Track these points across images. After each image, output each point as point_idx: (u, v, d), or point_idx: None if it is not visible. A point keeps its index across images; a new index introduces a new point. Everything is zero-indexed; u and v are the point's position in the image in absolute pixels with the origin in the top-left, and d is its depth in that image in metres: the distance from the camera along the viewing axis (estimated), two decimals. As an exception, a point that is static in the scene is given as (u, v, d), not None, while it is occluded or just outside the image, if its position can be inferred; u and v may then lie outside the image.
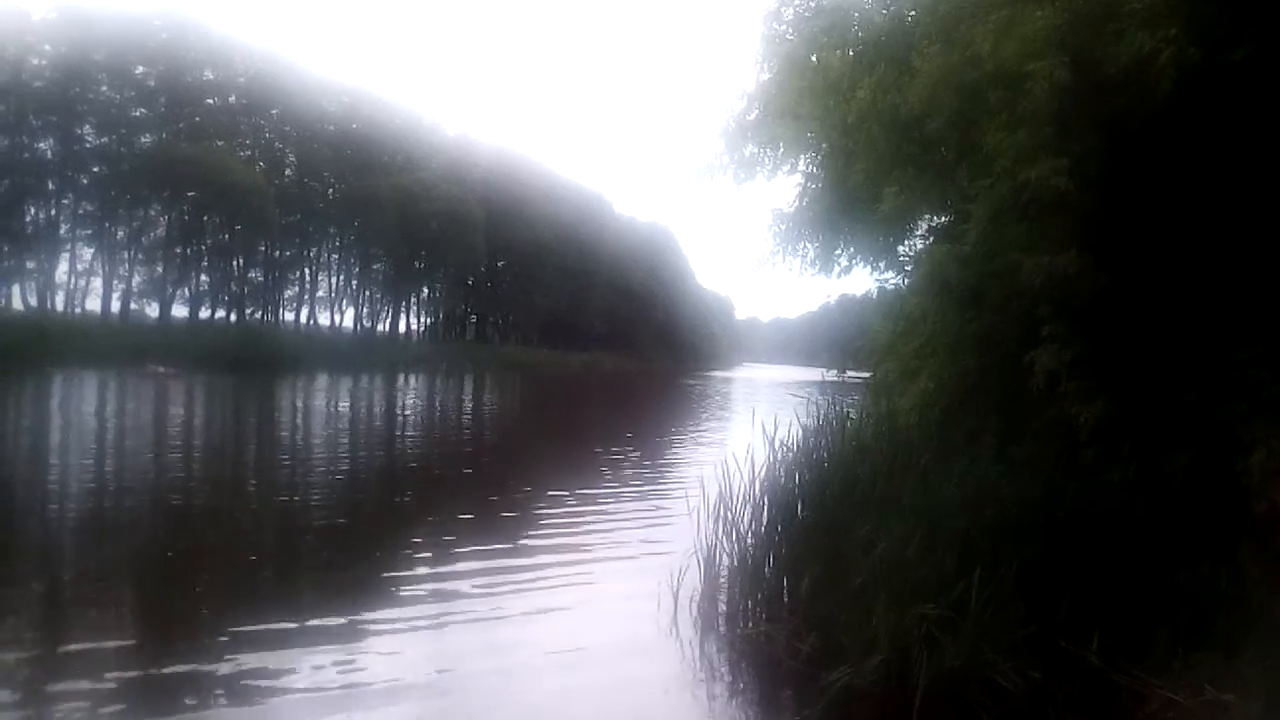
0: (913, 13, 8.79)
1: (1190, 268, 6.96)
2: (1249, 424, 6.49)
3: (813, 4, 10.67)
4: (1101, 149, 6.92)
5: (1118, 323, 7.14)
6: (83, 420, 23.57)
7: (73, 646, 7.30)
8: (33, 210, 59.70)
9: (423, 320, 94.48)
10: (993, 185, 7.22)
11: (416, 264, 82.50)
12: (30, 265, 59.17)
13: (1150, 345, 7.08)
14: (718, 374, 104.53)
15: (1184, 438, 6.95)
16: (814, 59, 9.73)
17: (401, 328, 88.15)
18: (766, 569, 8.56)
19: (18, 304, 57.95)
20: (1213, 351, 6.88)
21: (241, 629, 7.76)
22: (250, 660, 7.11)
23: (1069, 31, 6.89)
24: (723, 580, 8.77)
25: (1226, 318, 6.85)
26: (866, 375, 12.58)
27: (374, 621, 8.21)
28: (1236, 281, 6.82)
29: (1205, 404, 6.85)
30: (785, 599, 8.22)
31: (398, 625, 8.23)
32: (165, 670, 6.89)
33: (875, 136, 8.48)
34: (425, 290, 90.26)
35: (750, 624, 8.15)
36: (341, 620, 8.19)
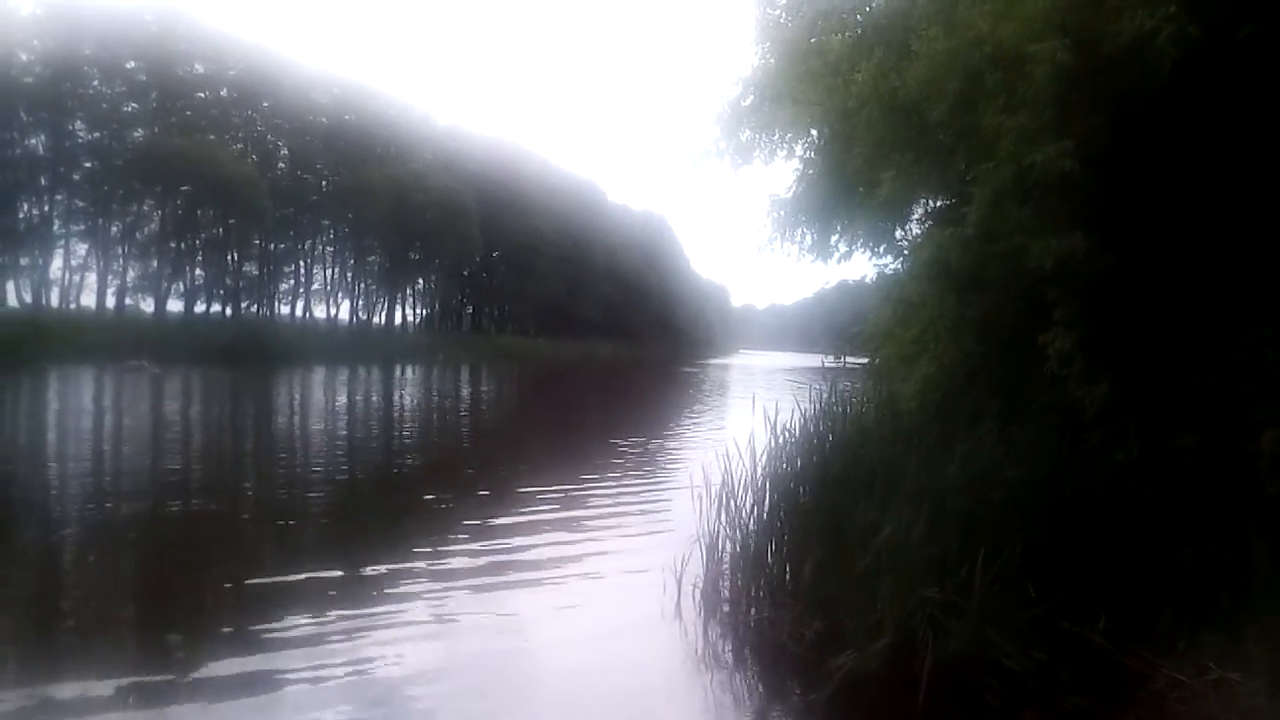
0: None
1: (1195, 248, 6.95)
2: (1258, 405, 6.49)
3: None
4: (1104, 129, 6.90)
5: (1122, 304, 7.13)
6: (39, 418, 23.50)
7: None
8: (25, 206, 59.37)
9: (419, 311, 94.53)
10: (995, 168, 7.19)
11: (411, 255, 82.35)
12: (24, 262, 58.93)
13: (1155, 326, 7.07)
14: (715, 361, 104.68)
15: (1189, 419, 6.94)
16: (812, 42, 9.67)
17: (397, 319, 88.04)
18: (769, 554, 8.55)
19: (12, 300, 57.76)
20: (1219, 332, 6.87)
21: (256, 627, 7.74)
22: (267, 659, 7.10)
23: (1069, 12, 6.86)
24: (725, 566, 8.76)
25: (1233, 298, 6.84)
26: (865, 361, 12.57)
27: (375, 615, 8.18)
28: (1243, 262, 6.81)
29: (1212, 385, 6.85)
30: (788, 584, 8.21)
31: (400, 610, 8.26)
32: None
33: (874, 120, 8.43)
34: (420, 281, 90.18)
35: (754, 609, 8.15)
36: (346, 613, 8.17)
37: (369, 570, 9.60)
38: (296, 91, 69.87)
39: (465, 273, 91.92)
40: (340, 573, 9.50)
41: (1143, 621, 6.57)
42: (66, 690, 6.30)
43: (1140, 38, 6.38)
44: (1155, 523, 6.99)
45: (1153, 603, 6.61)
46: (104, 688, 6.37)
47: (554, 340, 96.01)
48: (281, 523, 12.12)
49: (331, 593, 8.85)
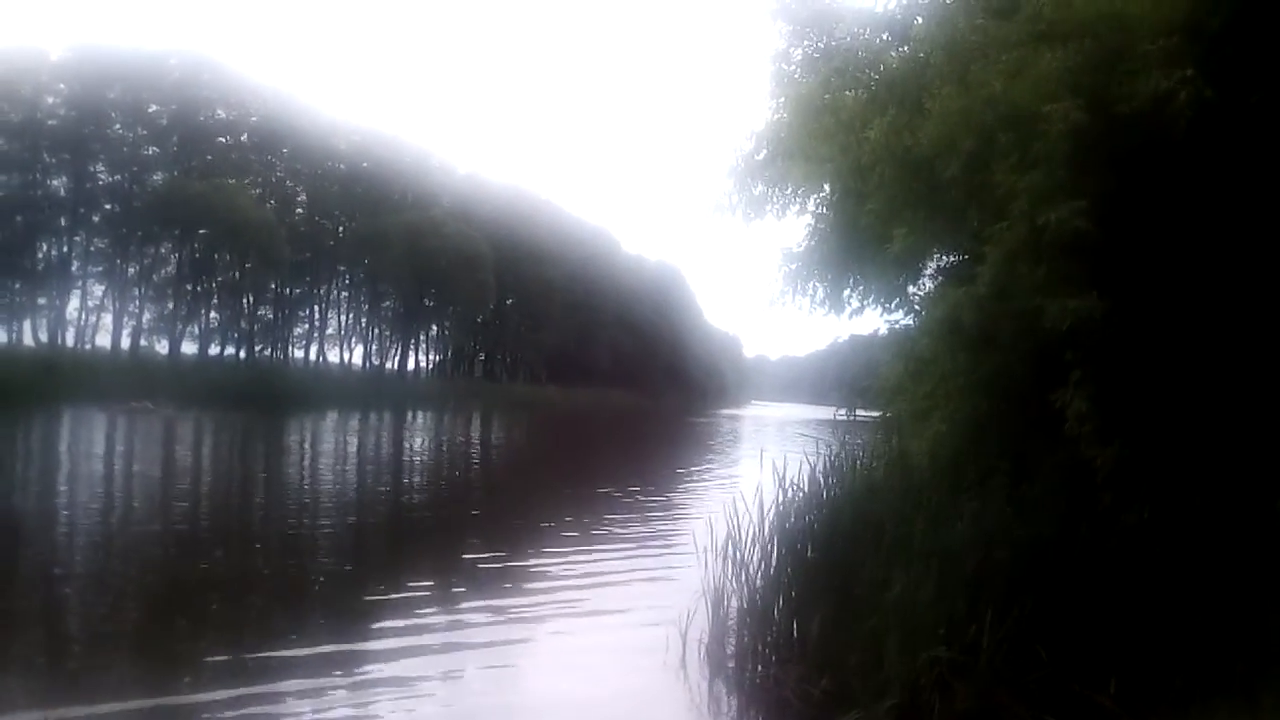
0: (924, 53, 8.78)
1: (1211, 307, 6.93)
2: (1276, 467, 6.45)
3: (822, 45, 10.74)
4: (1118, 189, 6.91)
5: (1136, 365, 7.09)
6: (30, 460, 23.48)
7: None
8: (44, 247, 60.09)
9: (431, 358, 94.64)
10: (1008, 227, 7.20)
11: (426, 301, 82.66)
12: (41, 301, 59.45)
13: (1170, 387, 7.03)
14: (726, 412, 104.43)
15: (1203, 481, 6.88)
16: (826, 99, 9.73)
17: (410, 365, 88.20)
18: (776, 610, 8.48)
19: (29, 340, 58.13)
20: (1235, 394, 6.83)
21: (251, 655, 7.72)
22: (270, 688, 7.12)
23: (1082, 73, 6.90)
24: (731, 622, 8.67)
25: (1250, 359, 6.80)
26: (876, 415, 12.53)
27: (386, 653, 8.15)
28: (1259, 322, 6.78)
29: (1228, 447, 6.80)
30: (795, 641, 8.13)
31: (399, 663, 8.18)
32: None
33: (888, 177, 8.47)
34: (434, 328, 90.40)
35: (759, 666, 8.08)
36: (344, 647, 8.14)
37: (370, 630, 9.44)
38: (316, 138, 70.52)
39: (479, 319, 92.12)
40: (341, 626, 9.52)
41: (1154, 686, 6.46)
42: None
43: (1157, 99, 6.41)
44: (1167, 586, 6.90)
45: (1165, 667, 6.50)
46: None
47: (565, 388, 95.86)
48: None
49: (339, 638, 8.87)
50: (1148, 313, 6.99)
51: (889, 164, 8.41)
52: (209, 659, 7.95)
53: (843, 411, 13.05)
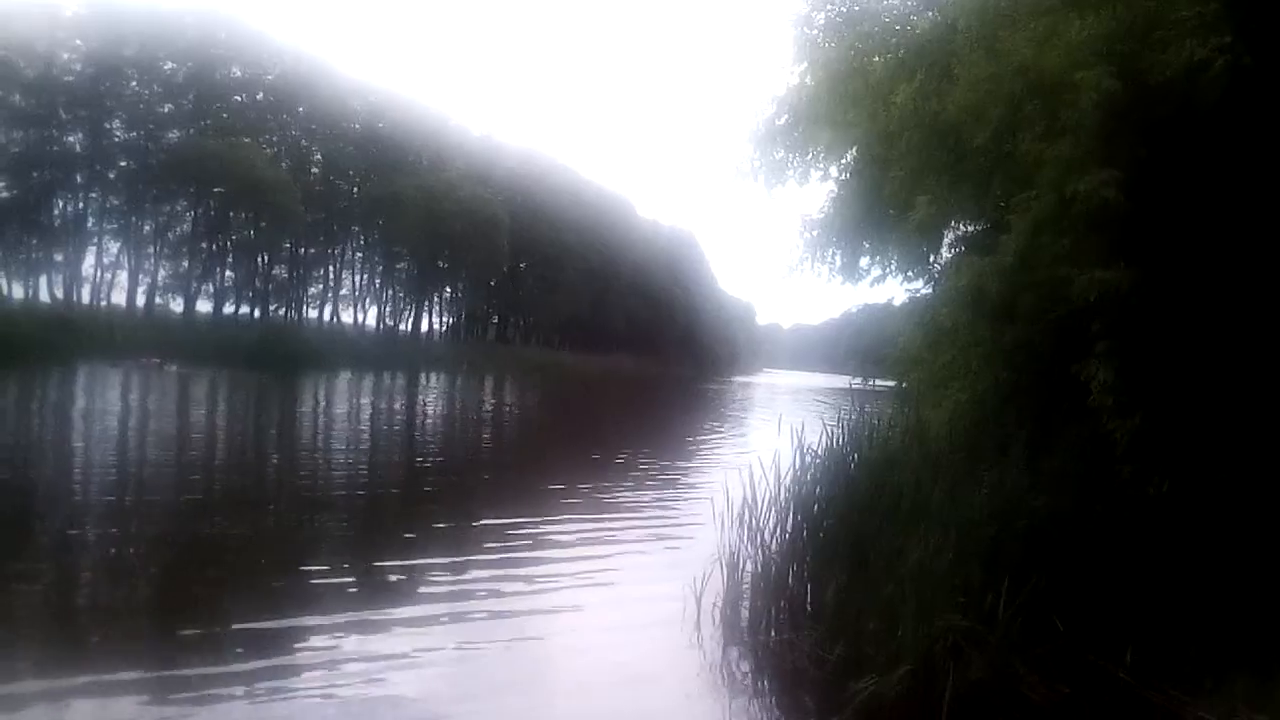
0: (953, 19, 8.66)
1: (1239, 280, 6.86)
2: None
3: (845, 9, 10.61)
4: (1148, 159, 6.83)
5: (1160, 336, 7.04)
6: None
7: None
8: (61, 203, 60.21)
9: (445, 320, 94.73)
10: (1036, 197, 7.13)
11: (440, 263, 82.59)
12: (58, 258, 59.64)
13: (1194, 360, 6.98)
14: (739, 379, 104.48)
15: (1226, 453, 6.85)
16: (853, 63, 9.64)
17: (424, 327, 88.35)
18: (790, 577, 8.50)
19: (44, 296, 58.35)
20: (1261, 367, 6.78)
21: (264, 624, 7.75)
22: (291, 649, 7.18)
23: (1113, 40, 6.80)
24: (746, 587, 8.70)
25: (1276, 331, 6.75)
26: (891, 384, 12.49)
27: (396, 617, 8.23)
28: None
29: (1251, 420, 6.76)
30: (809, 607, 8.16)
31: (425, 629, 8.19)
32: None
33: (913, 144, 8.39)
34: (448, 290, 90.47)
35: (774, 632, 8.09)
36: (354, 617, 8.19)
37: (381, 598, 9.24)
38: (332, 98, 70.37)
39: (492, 283, 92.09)
40: (352, 575, 9.64)
41: (1170, 658, 6.47)
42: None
43: (1191, 67, 6.32)
44: (1184, 558, 6.90)
45: (1181, 639, 6.51)
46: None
47: (578, 353, 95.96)
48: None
49: (352, 591, 8.99)
50: (1176, 284, 6.92)
51: (915, 130, 8.33)
52: (194, 631, 7.91)
53: (858, 380, 13.04)
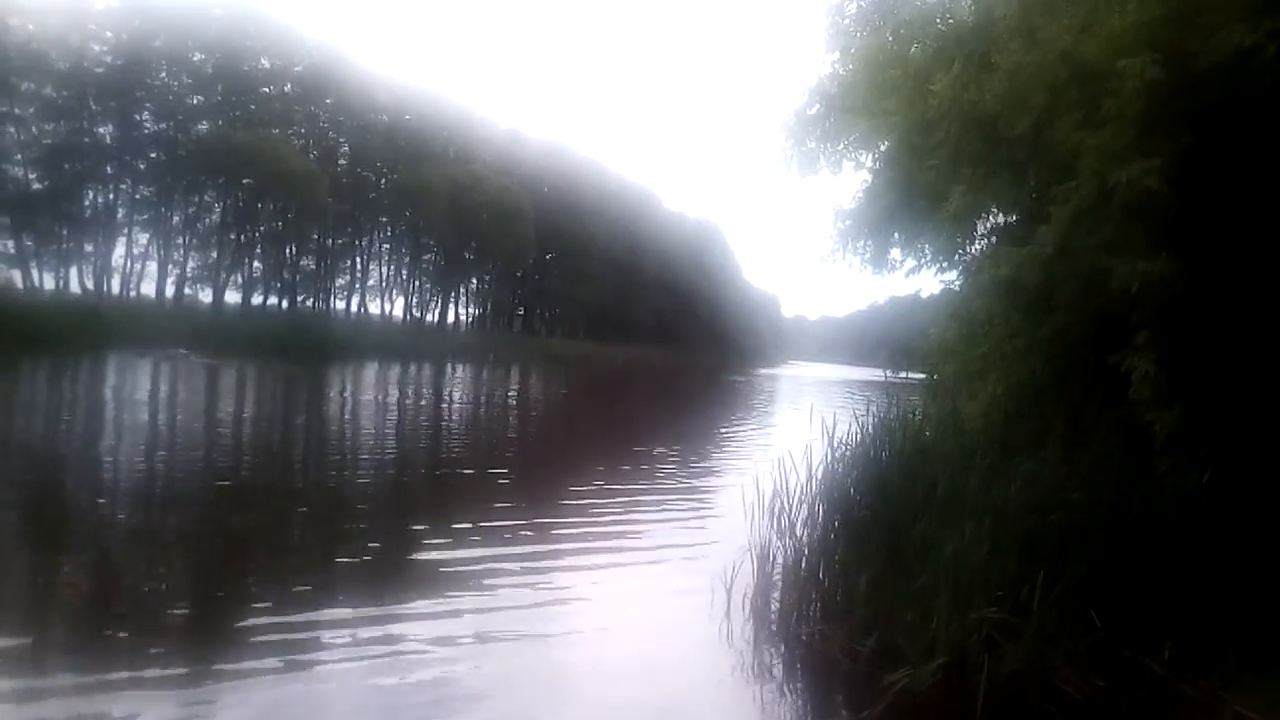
0: (993, 6, 8.58)
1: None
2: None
3: (879, -1, 10.56)
4: (1193, 148, 6.75)
5: (1201, 328, 6.97)
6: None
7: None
8: (91, 194, 60.56)
9: (471, 311, 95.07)
10: (1076, 186, 7.05)
11: (466, 255, 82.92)
12: (88, 249, 60.09)
13: (1235, 351, 6.90)
14: (764, 371, 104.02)
15: (1267, 446, 6.77)
16: (892, 51, 9.58)
17: (450, 318, 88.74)
18: (822, 568, 8.46)
19: (75, 287, 58.86)
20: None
21: (285, 619, 7.81)
22: (308, 630, 7.20)
23: (1157, 27, 6.71)
24: (777, 578, 8.67)
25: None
26: (921, 377, 12.43)
27: (416, 610, 8.23)
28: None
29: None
30: (841, 599, 8.11)
31: (450, 618, 8.19)
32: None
33: (952, 133, 8.31)
34: (474, 281, 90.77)
35: (806, 623, 8.06)
36: (376, 610, 8.19)
37: (407, 587, 9.23)
38: (359, 90, 70.55)
39: (518, 274, 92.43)
40: (382, 560, 9.71)
41: (1208, 653, 6.41)
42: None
43: (1241, 53, 6.23)
44: (1224, 552, 6.83)
45: (1219, 634, 6.45)
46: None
47: (603, 344, 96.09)
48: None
49: (382, 581, 8.99)
50: (1219, 275, 6.85)
51: (954, 119, 8.25)
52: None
53: (888, 372, 12.98)
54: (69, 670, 6.43)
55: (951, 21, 9.62)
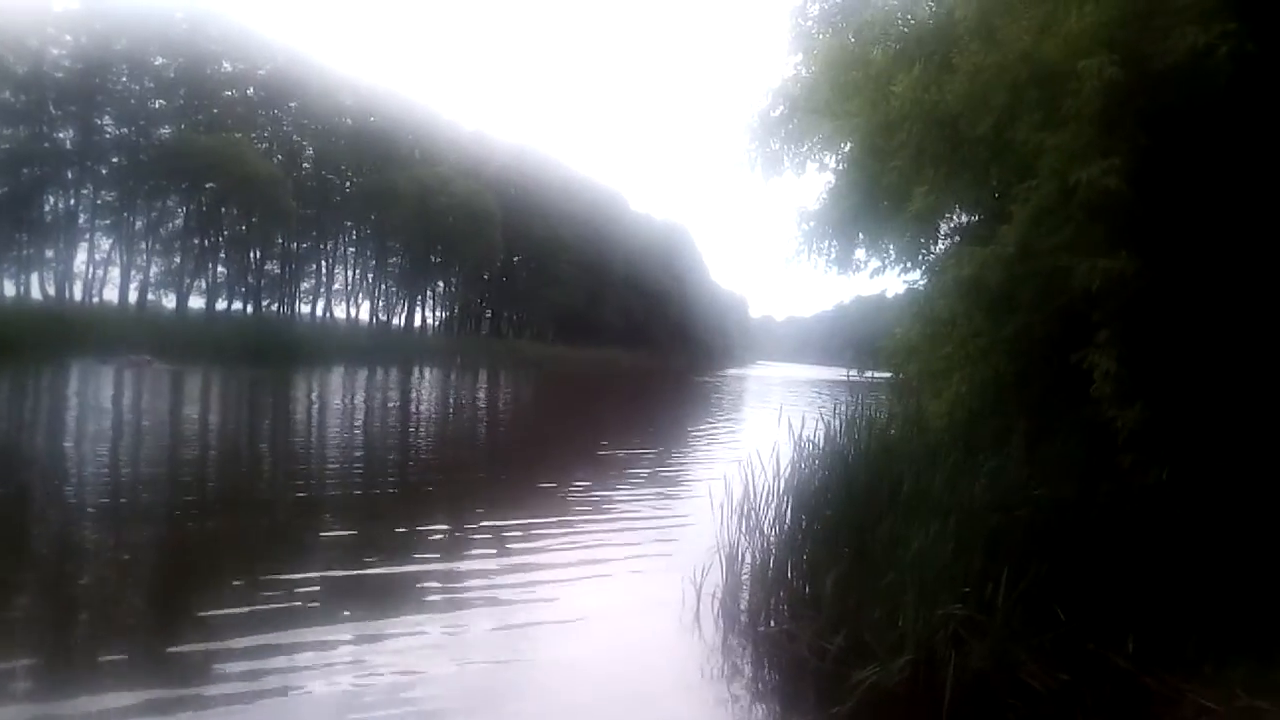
0: (951, 8, 8.66)
1: (1241, 268, 6.87)
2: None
3: (839, 0, 10.62)
4: (1151, 147, 6.83)
5: (1161, 325, 7.06)
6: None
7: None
8: (52, 200, 60.11)
9: (438, 314, 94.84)
10: (1037, 186, 7.12)
11: (433, 258, 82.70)
12: (49, 254, 59.53)
13: (1196, 348, 7.00)
14: (733, 372, 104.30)
15: (1226, 441, 6.88)
16: (854, 53, 9.63)
17: (417, 321, 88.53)
18: (790, 567, 8.51)
19: (36, 293, 58.18)
20: (1266, 355, 6.80)
21: (258, 640, 7.73)
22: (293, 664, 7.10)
23: (1115, 27, 6.79)
24: (745, 577, 8.71)
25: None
26: (886, 376, 12.49)
27: (387, 621, 8.07)
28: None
29: (1255, 409, 6.79)
30: (809, 597, 8.16)
31: (410, 614, 8.21)
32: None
33: (914, 134, 8.37)
34: (441, 284, 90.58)
35: (774, 622, 8.10)
36: (341, 624, 7.97)
37: (378, 571, 9.45)
38: (323, 93, 70.33)
39: (485, 276, 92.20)
40: (350, 571, 9.54)
41: (1170, 645, 6.50)
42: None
43: (1195, 54, 6.33)
44: (1185, 546, 6.93)
45: (1180, 627, 6.54)
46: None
47: (572, 346, 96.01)
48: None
49: (354, 585, 8.91)
50: (1178, 273, 6.94)
51: (916, 121, 8.31)
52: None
53: (853, 372, 13.04)
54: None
55: (912, 23, 9.71)
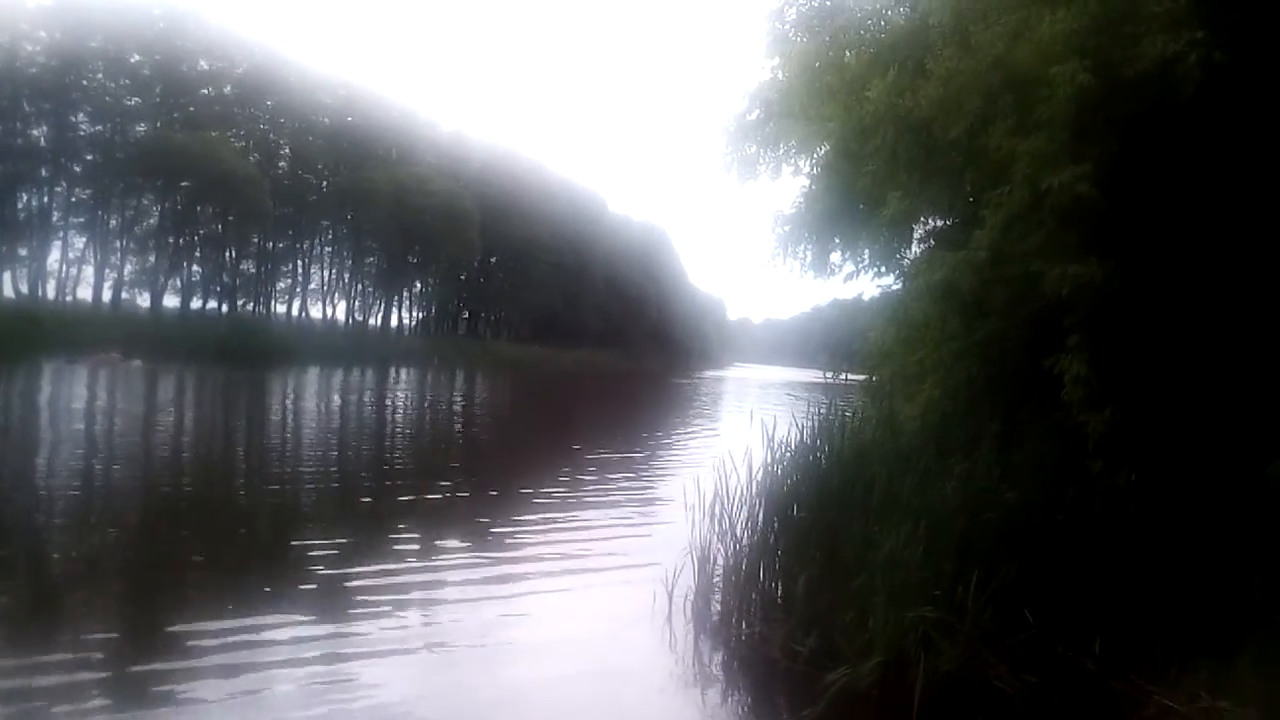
0: (926, 14, 8.71)
1: (1211, 273, 6.95)
2: (1268, 433, 6.52)
3: (817, 3, 10.64)
4: (1122, 153, 6.90)
5: (1131, 330, 7.13)
6: None
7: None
8: (25, 197, 59.46)
9: (415, 315, 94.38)
10: (1009, 192, 7.17)
11: (410, 258, 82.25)
12: (22, 252, 58.92)
13: (1164, 353, 7.07)
14: (710, 374, 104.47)
15: (1194, 445, 6.95)
16: (829, 57, 9.67)
17: (394, 322, 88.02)
18: (762, 569, 8.53)
19: (9, 291, 57.59)
20: (1234, 360, 6.87)
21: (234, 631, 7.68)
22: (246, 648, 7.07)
23: (1087, 35, 6.84)
24: (717, 579, 8.74)
25: (1248, 325, 6.84)
26: (861, 378, 12.53)
27: (359, 633, 7.98)
28: (1259, 287, 6.80)
29: (1223, 412, 6.86)
30: (781, 599, 8.21)
31: (393, 626, 8.14)
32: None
33: (888, 139, 8.40)
34: (418, 285, 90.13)
35: (746, 624, 8.13)
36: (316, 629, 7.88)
37: (346, 590, 9.13)
38: (301, 92, 69.97)
39: (463, 277, 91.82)
40: (323, 570, 9.54)
41: (1136, 648, 6.57)
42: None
43: (1164, 62, 6.40)
44: (1152, 549, 7.00)
45: (1147, 629, 6.61)
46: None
47: (549, 348, 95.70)
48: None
49: (327, 592, 8.85)
50: (1148, 279, 7.01)
51: (890, 126, 8.34)
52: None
53: (829, 374, 13.09)
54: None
55: (887, 28, 9.75)
